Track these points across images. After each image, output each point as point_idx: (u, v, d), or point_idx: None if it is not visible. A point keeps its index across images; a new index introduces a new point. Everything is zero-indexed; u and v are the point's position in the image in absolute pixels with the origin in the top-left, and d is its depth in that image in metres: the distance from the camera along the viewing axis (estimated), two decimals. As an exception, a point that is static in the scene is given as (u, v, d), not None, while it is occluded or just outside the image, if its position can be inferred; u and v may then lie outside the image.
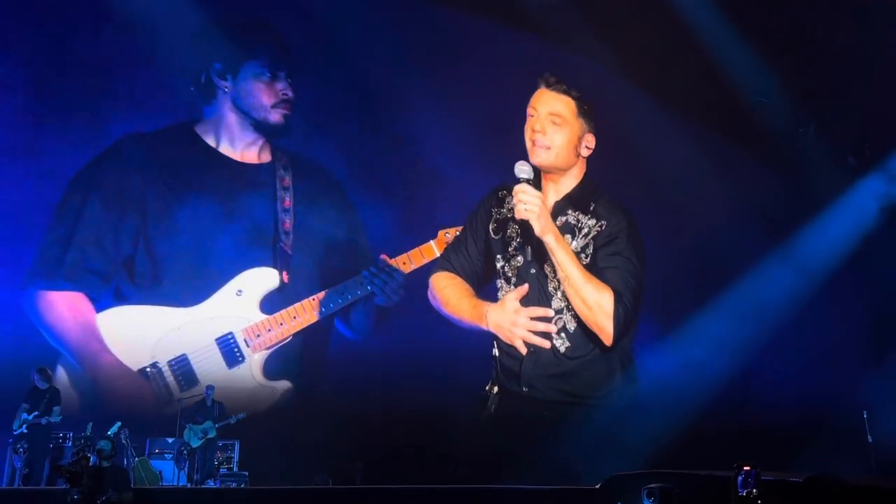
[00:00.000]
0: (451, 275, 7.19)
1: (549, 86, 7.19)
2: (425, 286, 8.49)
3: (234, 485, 8.57)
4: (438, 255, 9.24)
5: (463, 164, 9.67)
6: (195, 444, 8.58)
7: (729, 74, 10.33)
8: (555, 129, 7.07)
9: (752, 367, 10.71)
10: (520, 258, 7.39)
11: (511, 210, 7.43)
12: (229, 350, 9.50)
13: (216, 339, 9.51)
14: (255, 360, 9.65)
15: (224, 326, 9.54)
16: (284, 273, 9.89)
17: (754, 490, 3.83)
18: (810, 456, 9.38)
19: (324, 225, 10.20)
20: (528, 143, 7.31)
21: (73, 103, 9.71)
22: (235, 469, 8.98)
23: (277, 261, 9.95)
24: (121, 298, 9.56)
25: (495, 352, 7.25)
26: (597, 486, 6.05)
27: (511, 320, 6.43)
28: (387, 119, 10.44)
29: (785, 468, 7.56)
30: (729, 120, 11.03)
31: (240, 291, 9.72)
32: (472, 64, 10.29)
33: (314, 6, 10.16)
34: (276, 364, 9.74)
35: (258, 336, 9.48)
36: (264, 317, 9.63)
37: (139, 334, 9.41)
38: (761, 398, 10.52)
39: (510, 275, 7.46)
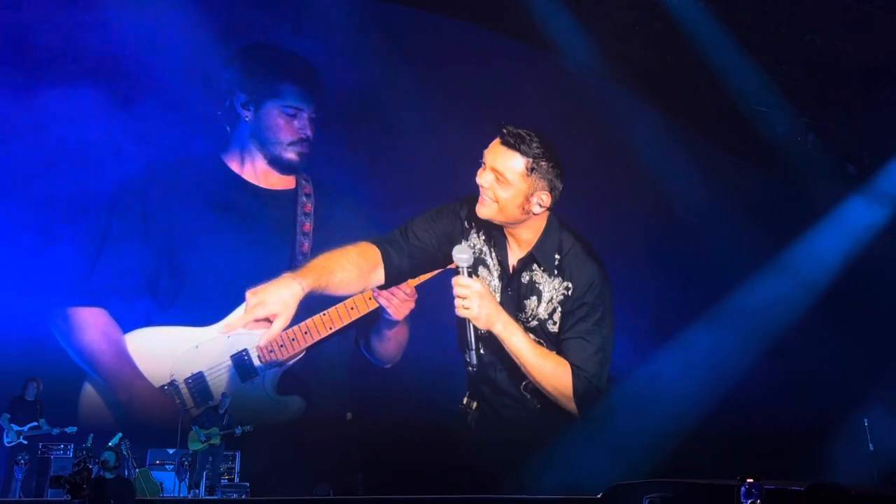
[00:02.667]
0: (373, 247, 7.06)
1: (503, 140, 6.90)
2: (425, 298, 8.51)
3: (235, 496, 8.55)
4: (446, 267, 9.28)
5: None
6: (196, 447, 8.56)
7: (728, 83, 10.38)
8: (499, 186, 6.88)
9: (753, 376, 10.70)
10: (497, 277, 7.36)
11: (482, 250, 7.32)
12: (243, 366, 9.64)
13: (231, 356, 9.64)
14: (268, 376, 9.72)
15: (240, 343, 9.67)
16: None
17: (758, 501, 3.84)
18: (812, 464, 9.39)
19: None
20: (481, 191, 7.16)
21: (103, 127, 9.82)
22: (237, 480, 8.96)
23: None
24: (146, 318, 9.73)
25: (470, 368, 7.11)
26: (599, 496, 6.05)
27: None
28: (406, 143, 10.48)
29: (787, 477, 7.57)
30: (728, 128, 11.08)
31: None
32: (493, 81, 10.40)
33: (338, 39, 10.35)
34: (292, 380, 9.86)
35: (271, 352, 9.61)
36: None
37: (160, 353, 9.56)
38: (763, 407, 10.51)
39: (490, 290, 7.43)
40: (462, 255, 6.27)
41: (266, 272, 9.94)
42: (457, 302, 6.26)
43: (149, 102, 9.97)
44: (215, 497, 8.45)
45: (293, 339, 9.58)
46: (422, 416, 9.12)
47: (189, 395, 9.51)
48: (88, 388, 9.50)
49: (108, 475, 6.89)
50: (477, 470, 7.70)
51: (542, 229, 6.81)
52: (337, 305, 9.57)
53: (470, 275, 6.35)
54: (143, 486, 8.33)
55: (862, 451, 9.47)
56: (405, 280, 7.72)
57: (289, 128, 10.30)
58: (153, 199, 9.97)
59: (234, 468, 9.01)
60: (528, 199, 6.51)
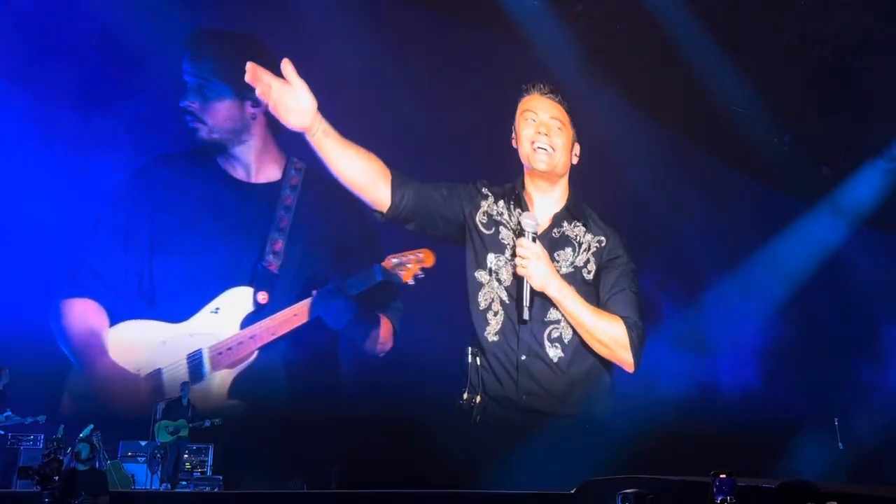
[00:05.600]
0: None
1: (543, 93, 7.45)
2: (400, 298, 8.54)
3: (207, 489, 8.50)
4: (378, 281, 9.40)
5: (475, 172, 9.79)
6: (164, 439, 8.49)
7: (706, 84, 10.44)
8: (557, 133, 7.36)
9: (725, 375, 10.80)
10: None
11: (500, 213, 7.55)
12: (195, 366, 9.57)
13: (187, 356, 9.64)
14: (218, 378, 9.66)
15: (198, 343, 9.67)
16: (263, 293, 9.89)
17: (730, 497, 3.87)
18: (783, 462, 9.49)
19: (329, 241, 10.18)
20: (527, 148, 7.44)
21: (94, 126, 9.80)
22: (209, 473, 8.90)
23: (255, 280, 9.95)
24: (132, 311, 9.75)
25: (478, 360, 7.30)
26: (572, 491, 6.08)
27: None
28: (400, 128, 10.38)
29: (758, 474, 7.64)
30: (705, 129, 11.13)
31: (217, 310, 9.82)
32: (476, 74, 10.37)
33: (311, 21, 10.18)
34: (244, 383, 9.73)
35: (220, 354, 9.56)
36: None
37: (136, 347, 9.60)
38: (734, 405, 10.61)
39: (503, 278, 7.53)
40: (528, 220, 6.92)
41: (235, 270, 9.94)
42: (517, 261, 6.79)
43: (131, 100, 9.89)
44: (187, 490, 8.39)
45: (240, 343, 9.58)
46: (401, 411, 9.11)
47: (149, 390, 9.47)
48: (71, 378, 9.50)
49: (81, 467, 6.81)
50: (452, 464, 7.71)
51: (567, 190, 7.39)
52: (283, 311, 9.64)
53: (533, 240, 6.97)
54: (115, 478, 8.25)
55: (832, 450, 9.59)
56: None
57: (242, 117, 10.15)
58: (139, 197, 9.91)
59: (206, 461, 8.95)
60: (571, 148, 7.26)
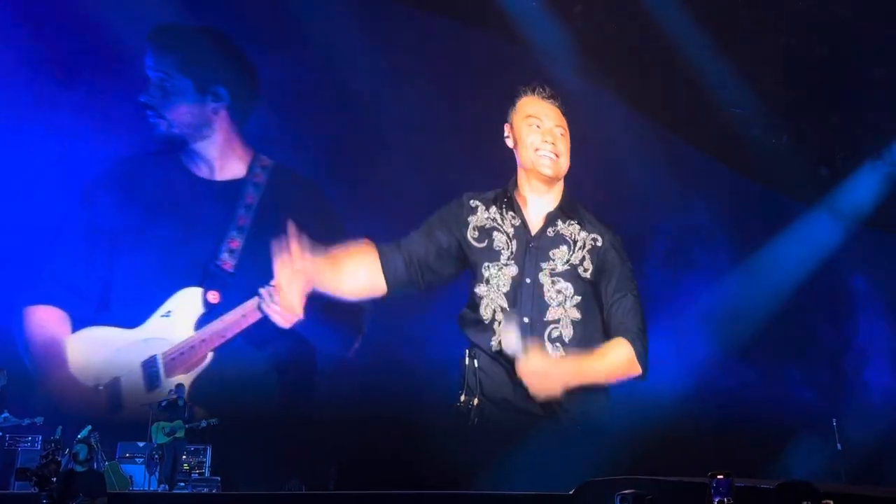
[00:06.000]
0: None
1: (543, 97, 7.54)
2: (394, 300, 8.57)
3: (205, 490, 8.48)
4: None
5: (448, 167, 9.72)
6: (161, 440, 8.47)
7: (704, 84, 10.43)
8: (561, 140, 7.51)
9: (723, 376, 10.79)
10: (514, 268, 7.53)
11: (493, 219, 7.58)
12: (152, 373, 9.42)
13: (142, 363, 9.45)
14: (175, 383, 9.29)
15: (153, 349, 9.48)
16: (213, 293, 9.70)
17: (727, 498, 3.87)
18: (781, 463, 9.49)
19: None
20: (531, 154, 7.51)
21: (55, 128, 9.66)
22: (207, 474, 8.88)
23: (205, 280, 9.75)
24: (92, 317, 9.56)
25: (475, 362, 7.34)
26: (571, 492, 6.07)
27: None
28: (367, 122, 10.28)
29: (756, 475, 7.64)
30: (703, 129, 11.12)
31: (168, 313, 9.63)
32: (456, 70, 10.28)
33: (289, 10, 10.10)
34: (202, 387, 9.47)
35: (173, 359, 9.42)
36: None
37: (93, 356, 9.38)
38: (732, 406, 10.59)
39: (500, 283, 7.56)
40: (509, 339, 6.97)
41: (186, 272, 9.69)
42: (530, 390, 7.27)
43: (93, 101, 9.71)
44: (186, 491, 8.38)
45: (192, 347, 9.42)
46: (397, 413, 9.09)
47: (106, 401, 9.26)
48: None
49: (79, 468, 6.79)
50: (451, 466, 7.71)
51: (562, 190, 7.49)
52: (231, 311, 9.47)
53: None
54: (113, 479, 8.24)
55: (830, 450, 9.59)
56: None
57: (203, 112, 9.97)
58: (102, 198, 9.71)
59: (204, 462, 8.93)
60: (569, 152, 7.37)
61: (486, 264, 7.67)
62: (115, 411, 9.17)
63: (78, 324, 9.48)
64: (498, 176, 8.33)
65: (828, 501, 3.72)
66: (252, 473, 8.90)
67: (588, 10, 10.27)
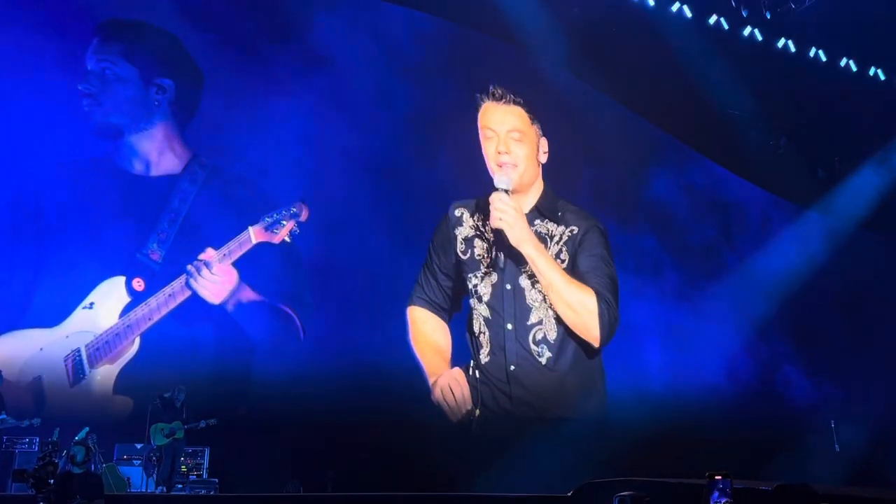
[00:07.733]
0: (427, 312, 7.35)
1: (496, 99, 7.03)
2: (392, 301, 8.54)
3: (203, 492, 8.47)
4: (254, 243, 8.96)
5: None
6: (160, 441, 8.45)
7: (702, 86, 10.45)
8: (517, 146, 7.01)
9: (721, 376, 10.79)
10: (494, 275, 7.40)
11: (475, 227, 7.42)
12: (76, 366, 9.21)
13: (64, 358, 9.22)
14: (100, 375, 9.19)
15: (75, 343, 9.25)
16: (138, 279, 9.43)
17: (726, 499, 3.86)
18: (780, 464, 9.49)
19: (223, 238, 9.41)
20: (493, 166, 7.21)
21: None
22: (205, 476, 8.87)
23: (130, 269, 9.48)
24: (11, 321, 9.27)
25: (476, 374, 7.27)
26: (569, 494, 6.06)
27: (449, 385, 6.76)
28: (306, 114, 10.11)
29: (755, 476, 7.64)
30: (702, 131, 11.14)
31: (91, 305, 9.39)
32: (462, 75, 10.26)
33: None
34: (130, 377, 9.22)
35: (97, 349, 9.18)
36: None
37: (14, 361, 9.09)
38: (731, 407, 10.60)
39: (483, 293, 7.46)
40: (502, 177, 6.75)
41: (111, 266, 9.40)
42: (494, 214, 6.67)
43: (29, 98, 9.36)
44: (183, 493, 8.36)
45: (117, 335, 9.19)
46: (394, 415, 9.08)
47: (30, 400, 9.02)
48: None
49: (76, 470, 6.77)
50: (451, 469, 7.70)
51: (541, 189, 7.22)
52: (156, 294, 9.18)
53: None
54: (111, 481, 8.22)
55: (829, 452, 9.60)
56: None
57: (145, 102, 9.71)
58: (29, 194, 9.42)
59: (202, 464, 8.91)
60: (537, 149, 7.01)
61: (469, 275, 7.52)
62: (41, 410, 8.85)
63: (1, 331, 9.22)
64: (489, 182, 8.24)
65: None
66: (251, 475, 8.88)
67: (585, 10, 10.27)
